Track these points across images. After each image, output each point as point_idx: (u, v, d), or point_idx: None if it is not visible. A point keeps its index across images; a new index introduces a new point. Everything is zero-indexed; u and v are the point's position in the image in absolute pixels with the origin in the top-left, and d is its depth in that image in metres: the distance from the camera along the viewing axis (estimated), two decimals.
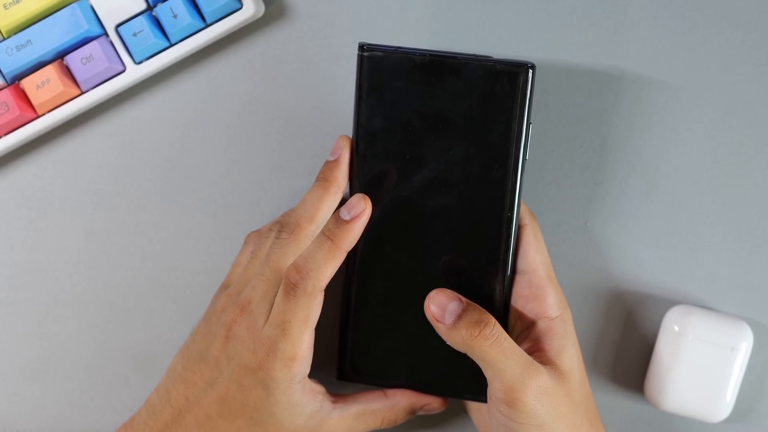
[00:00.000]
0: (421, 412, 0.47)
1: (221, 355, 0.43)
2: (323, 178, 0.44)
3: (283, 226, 0.44)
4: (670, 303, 0.49)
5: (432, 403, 0.47)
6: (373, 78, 0.43)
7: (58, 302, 0.51)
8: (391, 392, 0.46)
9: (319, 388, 0.44)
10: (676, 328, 0.48)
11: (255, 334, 0.42)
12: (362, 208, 0.43)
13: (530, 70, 0.43)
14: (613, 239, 0.50)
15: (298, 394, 0.43)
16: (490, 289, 0.44)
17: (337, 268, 0.42)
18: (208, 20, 0.48)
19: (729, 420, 0.49)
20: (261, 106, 0.50)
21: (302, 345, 0.42)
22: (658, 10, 0.49)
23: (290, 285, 0.42)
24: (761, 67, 0.49)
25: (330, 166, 0.44)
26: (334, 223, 0.42)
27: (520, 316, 0.45)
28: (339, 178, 0.44)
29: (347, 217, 0.42)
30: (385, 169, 0.44)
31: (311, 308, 0.42)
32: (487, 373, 0.42)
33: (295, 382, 0.42)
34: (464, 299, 0.43)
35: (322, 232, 0.42)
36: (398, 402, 0.46)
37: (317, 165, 0.50)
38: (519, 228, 0.45)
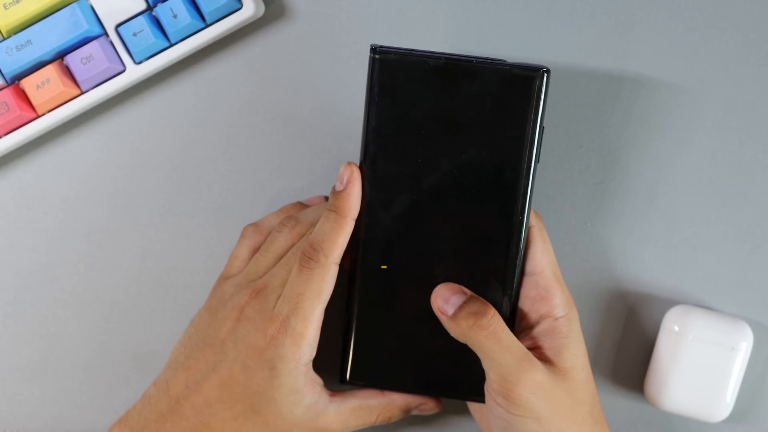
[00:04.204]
0: (415, 412, 0.47)
1: (229, 338, 0.44)
2: (334, 209, 0.44)
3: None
4: (670, 303, 0.49)
5: (428, 403, 0.47)
6: (384, 80, 0.43)
7: (58, 302, 0.51)
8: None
9: (318, 380, 0.45)
10: (676, 328, 0.48)
11: (266, 314, 0.43)
12: (351, 173, 0.44)
13: (545, 75, 0.43)
14: (613, 239, 0.50)
15: (302, 379, 0.43)
16: (499, 292, 0.44)
17: (347, 239, 0.43)
18: (208, 20, 0.48)
19: (729, 420, 0.49)
20: (261, 106, 0.50)
21: (312, 322, 0.43)
22: (658, 10, 0.49)
23: (304, 258, 0.43)
24: (761, 67, 0.49)
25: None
26: (333, 196, 0.44)
27: (527, 316, 0.45)
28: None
29: (342, 187, 0.44)
30: (395, 172, 0.44)
31: (325, 280, 0.43)
32: (485, 364, 0.42)
33: (302, 363, 0.43)
34: (468, 292, 0.43)
35: (326, 208, 0.44)
36: (394, 400, 0.46)
37: (317, 165, 0.50)
38: None
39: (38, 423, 0.51)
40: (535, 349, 0.43)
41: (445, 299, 0.43)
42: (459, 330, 0.42)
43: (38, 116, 0.48)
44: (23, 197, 0.51)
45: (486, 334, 0.42)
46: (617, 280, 0.50)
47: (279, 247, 0.46)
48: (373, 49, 0.43)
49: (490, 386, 0.42)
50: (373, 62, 0.43)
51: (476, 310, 0.42)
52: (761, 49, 0.49)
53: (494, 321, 0.42)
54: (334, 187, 0.44)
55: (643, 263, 0.50)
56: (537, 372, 0.42)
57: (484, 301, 0.43)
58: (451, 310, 0.43)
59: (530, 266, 0.45)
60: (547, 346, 0.43)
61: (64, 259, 0.51)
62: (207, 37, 0.48)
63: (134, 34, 0.48)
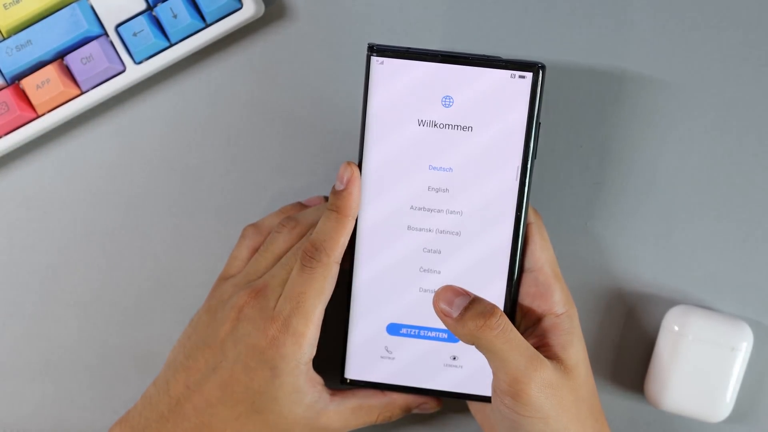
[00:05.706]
0: (416, 411, 0.47)
1: (228, 338, 0.44)
2: (335, 209, 0.44)
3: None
4: (670, 303, 0.49)
5: (428, 402, 0.47)
6: (382, 79, 0.43)
7: (58, 302, 0.51)
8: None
9: (318, 379, 0.45)
10: (676, 328, 0.48)
11: (266, 314, 0.43)
12: (351, 173, 0.44)
13: (541, 70, 0.43)
14: (613, 239, 0.50)
15: (303, 378, 0.43)
16: (498, 288, 0.44)
17: (348, 238, 0.44)
18: (208, 20, 0.48)
19: (729, 420, 0.49)
20: (261, 106, 0.50)
21: (313, 321, 0.43)
22: (658, 10, 0.49)
23: (306, 258, 0.43)
24: (761, 67, 0.49)
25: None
26: (334, 196, 0.44)
27: (527, 313, 0.45)
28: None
29: (342, 186, 0.44)
30: (394, 170, 0.44)
31: (326, 280, 0.43)
32: (493, 365, 0.42)
33: (302, 362, 0.43)
34: (471, 293, 0.43)
35: (327, 208, 0.44)
36: (395, 400, 0.47)
37: (317, 165, 0.50)
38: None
39: (38, 423, 0.51)
40: (542, 347, 0.44)
41: (449, 301, 0.42)
42: (466, 331, 0.42)
43: (38, 116, 0.48)
44: (23, 197, 0.51)
45: (496, 334, 0.41)
46: (617, 280, 0.50)
47: (278, 247, 0.46)
48: (370, 48, 0.43)
49: (499, 387, 0.42)
50: (369, 60, 0.43)
51: (483, 311, 0.41)
52: (761, 49, 0.49)
53: (503, 320, 0.41)
54: (334, 187, 0.44)
55: (643, 263, 0.50)
56: (546, 370, 0.41)
57: (489, 301, 0.43)
58: (456, 312, 0.42)
59: (529, 263, 0.45)
60: (553, 343, 0.43)
61: (64, 259, 0.51)
62: (207, 37, 0.48)
63: (134, 34, 0.48)
